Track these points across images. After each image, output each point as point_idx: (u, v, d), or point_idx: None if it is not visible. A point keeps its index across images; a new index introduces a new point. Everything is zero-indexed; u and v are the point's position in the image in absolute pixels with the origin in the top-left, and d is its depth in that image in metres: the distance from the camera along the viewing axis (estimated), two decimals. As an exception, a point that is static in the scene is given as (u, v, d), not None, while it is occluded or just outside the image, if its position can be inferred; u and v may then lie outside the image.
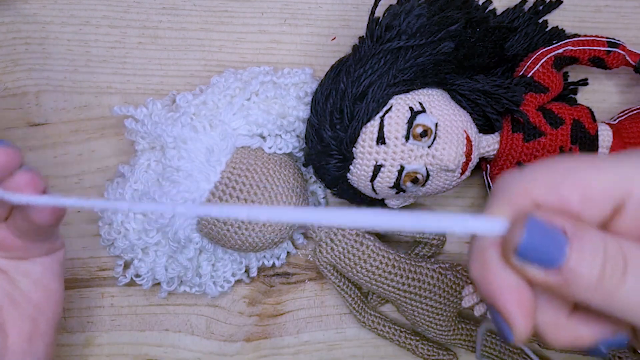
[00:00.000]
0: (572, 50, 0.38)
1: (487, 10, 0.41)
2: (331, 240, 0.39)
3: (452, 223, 0.20)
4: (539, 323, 0.22)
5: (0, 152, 0.27)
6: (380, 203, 0.39)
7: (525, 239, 0.20)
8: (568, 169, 0.21)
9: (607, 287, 0.20)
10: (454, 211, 0.44)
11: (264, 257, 0.42)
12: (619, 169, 0.21)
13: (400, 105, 0.35)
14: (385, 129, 0.34)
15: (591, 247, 0.20)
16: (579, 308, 0.22)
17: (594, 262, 0.20)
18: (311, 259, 0.43)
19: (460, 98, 0.37)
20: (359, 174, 0.36)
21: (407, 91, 0.35)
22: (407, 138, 0.34)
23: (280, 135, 0.39)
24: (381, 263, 0.39)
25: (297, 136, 0.40)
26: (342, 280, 0.41)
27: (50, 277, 0.33)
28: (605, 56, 0.38)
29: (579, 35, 0.40)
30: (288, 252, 0.43)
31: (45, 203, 0.28)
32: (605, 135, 0.38)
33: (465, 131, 0.35)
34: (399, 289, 0.39)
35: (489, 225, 0.21)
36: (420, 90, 0.36)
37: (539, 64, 0.38)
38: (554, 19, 0.42)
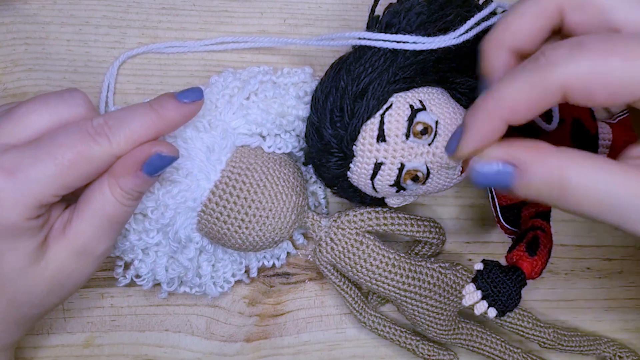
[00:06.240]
0: (571, 49, 0.38)
1: (486, 10, 0.41)
2: (331, 240, 0.39)
3: None
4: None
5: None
6: (380, 202, 0.39)
7: None
8: None
9: None
10: (454, 211, 0.44)
11: (264, 257, 0.42)
12: None
13: (400, 103, 0.35)
14: (385, 127, 0.34)
15: None
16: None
17: None
18: (311, 259, 0.43)
19: (460, 96, 0.37)
20: (359, 172, 0.36)
21: (408, 89, 0.35)
22: (407, 136, 0.34)
23: (279, 135, 0.39)
24: (381, 263, 0.39)
25: (297, 136, 0.40)
26: (342, 280, 0.41)
27: None
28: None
29: (579, 35, 0.40)
30: (288, 252, 0.43)
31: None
32: (605, 134, 0.38)
33: (465, 129, 0.35)
34: (399, 289, 0.39)
35: None
36: (421, 89, 0.35)
37: (539, 63, 0.38)
38: (553, 19, 0.42)
